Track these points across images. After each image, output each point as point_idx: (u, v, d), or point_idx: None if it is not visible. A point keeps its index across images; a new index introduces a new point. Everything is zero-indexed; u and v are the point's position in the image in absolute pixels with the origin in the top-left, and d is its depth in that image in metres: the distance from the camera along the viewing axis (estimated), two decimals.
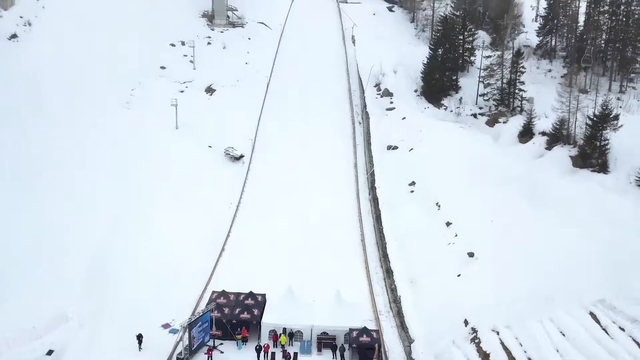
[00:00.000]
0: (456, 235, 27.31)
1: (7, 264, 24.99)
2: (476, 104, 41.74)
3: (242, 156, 38.56)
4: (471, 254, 25.56)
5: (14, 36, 45.31)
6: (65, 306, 23.50)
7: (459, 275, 24.52)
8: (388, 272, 27.23)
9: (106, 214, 30.09)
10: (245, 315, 22.93)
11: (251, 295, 23.88)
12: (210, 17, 57.94)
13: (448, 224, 28.38)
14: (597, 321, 18.60)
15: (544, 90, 40.09)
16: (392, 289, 25.96)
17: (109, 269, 26.29)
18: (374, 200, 33.41)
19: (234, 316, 22.82)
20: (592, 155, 29.44)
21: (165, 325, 23.27)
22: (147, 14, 52.75)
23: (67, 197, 30.68)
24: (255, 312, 23.13)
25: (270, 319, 22.76)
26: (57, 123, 36.87)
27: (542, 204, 26.30)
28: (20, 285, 24.05)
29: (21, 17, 47.50)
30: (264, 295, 24.20)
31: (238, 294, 23.99)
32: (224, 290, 24.13)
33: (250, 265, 27.11)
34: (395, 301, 25.12)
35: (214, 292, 24.31)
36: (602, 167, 28.74)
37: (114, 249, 27.68)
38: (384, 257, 28.43)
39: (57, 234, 27.59)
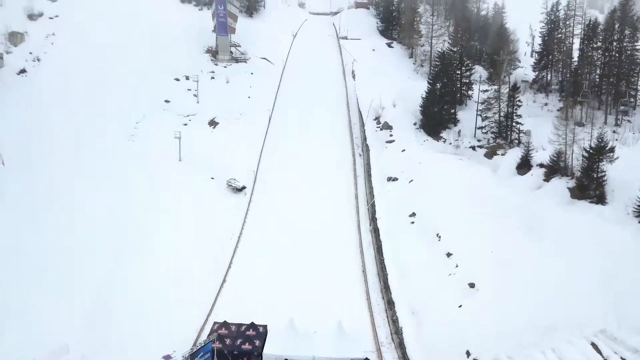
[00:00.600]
0: (457, 266, 27.43)
1: (10, 296, 25.10)
2: (474, 136, 42.46)
3: (244, 187, 39.00)
4: (472, 285, 25.63)
5: (22, 71, 46.61)
6: (66, 338, 23.45)
7: (460, 306, 24.54)
8: (389, 303, 27.22)
9: (109, 246, 30.31)
10: (246, 346, 22.85)
11: (252, 326, 23.84)
12: (214, 53, 59.49)
13: (448, 254, 28.53)
14: (599, 352, 18.62)
15: (541, 123, 40.88)
16: (393, 320, 25.92)
17: (111, 300, 26.34)
18: (375, 231, 33.64)
19: (236, 347, 22.75)
20: (590, 187, 29.85)
21: (167, 357, 23.11)
22: (153, 49, 54.30)
23: (71, 229, 31.00)
24: (257, 343, 23.06)
25: (272, 350, 22.68)
26: (63, 156, 37.58)
27: (541, 234, 26.56)
28: (22, 316, 24.11)
29: (30, 53, 49.00)
30: (265, 327, 24.15)
31: (239, 325, 23.95)
32: (225, 321, 24.10)
33: (251, 296, 27.14)
34: (396, 332, 25.05)
35: (215, 322, 24.28)
36: (600, 199, 29.11)
37: (116, 280, 27.79)
38: (385, 288, 28.46)
39: (60, 266, 27.81)
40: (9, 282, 25.87)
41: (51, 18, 56.07)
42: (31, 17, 54.87)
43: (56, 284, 26.44)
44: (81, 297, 25.95)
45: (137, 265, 29.11)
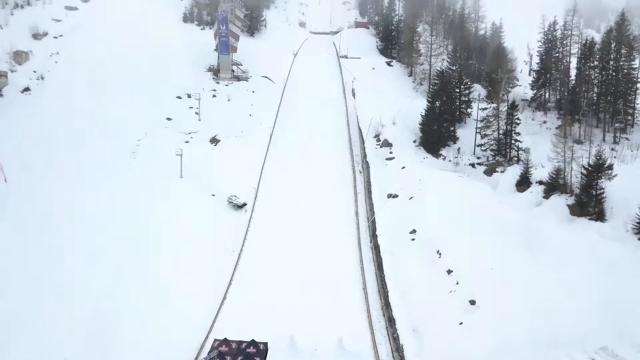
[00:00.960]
0: (457, 283, 27.42)
1: (11, 312, 25.09)
2: (474, 153, 42.77)
3: (244, 204, 39.15)
4: (472, 302, 25.61)
5: (26, 89, 47.23)
6: (66, 353, 23.36)
7: (461, 323, 24.49)
8: (390, 321, 27.14)
9: (109, 262, 30.35)
10: None
11: (253, 343, 23.72)
12: (215, 71, 60.21)
13: (449, 271, 28.54)
14: None
15: (539, 141, 41.27)
16: (394, 338, 25.82)
17: (111, 316, 26.27)
18: (375, 248, 33.68)
19: None
20: (589, 204, 30.04)
21: None
22: (155, 68, 55.01)
23: (72, 245, 31.09)
24: None
25: None
26: (65, 173, 37.85)
27: (541, 251, 26.66)
28: (23, 332, 24.07)
29: (35, 71, 49.71)
30: (265, 344, 24.04)
31: (240, 342, 23.84)
32: (225, 338, 23.99)
33: (252, 313, 27.09)
34: (397, 350, 24.95)
35: (215, 340, 24.17)
36: (599, 216, 29.28)
37: (115, 297, 27.76)
38: (386, 305, 28.41)
39: (60, 281, 27.85)
40: (10, 297, 25.89)
41: (55, 37, 56.99)
42: (36, 36, 55.79)
43: (56, 299, 26.44)
44: (81, 313, 25.92)
45: (137, 281, 29.09)
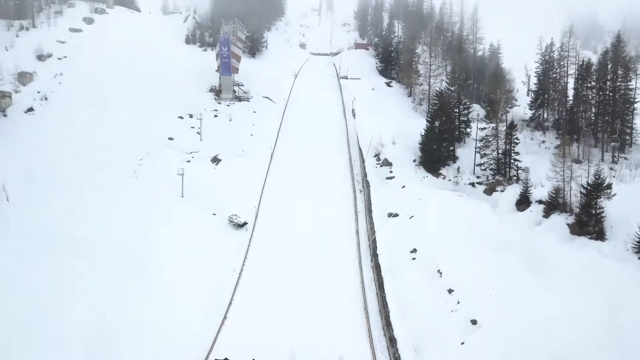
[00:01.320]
0: (458, 303, 27.34)
1: (11, 331, 25.02)
2: (474, 173, 43.03)
3: (245, 223, 39.22)
4: (474, 322, 25.51)
5: (30, 109, 47.77)
6: None
7: (462, 343, 24.37)
8: (391, 341, 27.00)
9: (110, 282, 30.34)
10: None
11: None
12: (217, 92, 60.90)
13: (450, 291, 28.47)
14: None
15: (538, 160, 41.57)
16: (395, 358, 25.67)
17: (111, 335, 26.20)
18: (376, 268, 33.65)
19: None
20: (589, 223, 30.14)
21: None
22: (158, 88, 55.74)
23: (72, 263, 31.11)
24: None
25: None
26: (67, 193, 38.05)
27: (542, 270, 26.64)
28: (23, 351, 23.95)
29: (38, 92, 50.36)
30: None
31: None
32: (226, 358, 23.95)
33: (252, 332, 26.96)
34: None
35: (216, 359, 24.15)
36: (599, 235, 29.36)
37: (116, 315, 27.70)
38: (387, 324, 28.29)
39: (61, 300, 27.83)
40: (10, 317, 25.85)
41: (60, 59, 57.88)
42: (40, 57, 56.65)
43: (56, 318, 26.40)
44: (81, 330, 25.86)
45: (137, 300, 29.04)
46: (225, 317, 29.10)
